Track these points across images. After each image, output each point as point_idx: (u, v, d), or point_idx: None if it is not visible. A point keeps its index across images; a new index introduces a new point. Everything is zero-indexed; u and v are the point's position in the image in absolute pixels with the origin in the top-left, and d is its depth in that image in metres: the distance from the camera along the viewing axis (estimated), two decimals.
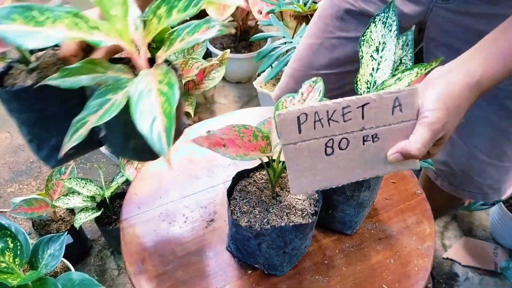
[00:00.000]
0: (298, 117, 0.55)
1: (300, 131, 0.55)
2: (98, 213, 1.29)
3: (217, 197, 0.92)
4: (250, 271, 0.79)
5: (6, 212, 1.53)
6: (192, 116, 1.36)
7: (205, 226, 0.87)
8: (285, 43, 1.53)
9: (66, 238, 1.35)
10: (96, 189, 1.34)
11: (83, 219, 1.26)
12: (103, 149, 1.68)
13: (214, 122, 1.10)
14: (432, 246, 0.84)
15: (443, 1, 0.84)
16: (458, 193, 1.07)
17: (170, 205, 0.91)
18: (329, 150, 0.57)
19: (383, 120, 0.57)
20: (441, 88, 0.56)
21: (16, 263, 1.09)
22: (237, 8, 1.83)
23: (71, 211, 1.45)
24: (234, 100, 2.09)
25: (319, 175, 0.59)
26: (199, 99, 2.08)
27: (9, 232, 1.09)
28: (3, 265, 1.06)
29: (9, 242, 1.08)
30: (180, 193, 0.93)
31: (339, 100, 0.55)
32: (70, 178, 1.32)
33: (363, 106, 0.56)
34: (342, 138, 0.57)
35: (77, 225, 1.24)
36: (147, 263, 0.80)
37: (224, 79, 2.19)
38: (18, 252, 1.09)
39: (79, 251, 1.48)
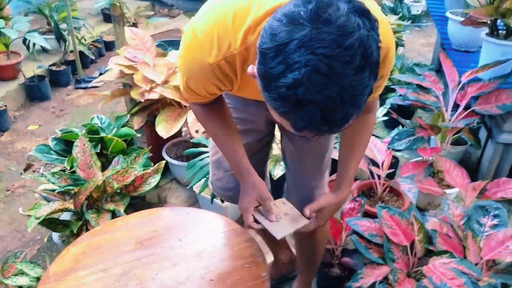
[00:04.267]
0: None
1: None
2: None
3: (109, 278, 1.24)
4: None
5: None
6: (121, 212, 1.71)
7: None
8: None
9: None
10: (42, 271, 1.65)
11: None
12: (56, 239, 2.01)
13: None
14: None
15: None
16: None
17: (76, 279, 1.22)
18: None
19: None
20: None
21: None
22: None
23: None
24: (184, 201, 2.44)
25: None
26: (153, 199, 2.44)
27: None
28: None
29: None
30: (85, 272, 1.25)
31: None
32: (22, 261, 1.64)
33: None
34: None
35: None
36: None
37: (178, 182, 2.57)
38: None
39: None
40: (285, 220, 1.23)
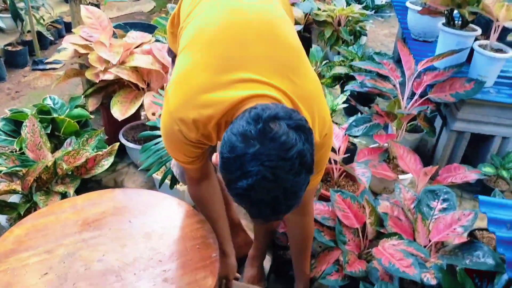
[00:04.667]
0: None
1: None
2: None
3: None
4: None
5: None
6: (71, 194, 1.66)
7: None
8: None
9: None
10: None
11: None
12: (4, 222, 1.94)
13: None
14: None
15: None
16: None
17: (18, 261, 1.18)
18: None
19: None
20: None
21: None
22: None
23: None
24: (141, 185, 2.40)
25: None
26: (110, 183, 2.39)
27: None
28: None
29: None
30: (28, 253, 1.21)
31: None
32: None
33: None
34: None
35: None
36: None
37: (136, 166, 2.52)
38: None
39: None
40: None
